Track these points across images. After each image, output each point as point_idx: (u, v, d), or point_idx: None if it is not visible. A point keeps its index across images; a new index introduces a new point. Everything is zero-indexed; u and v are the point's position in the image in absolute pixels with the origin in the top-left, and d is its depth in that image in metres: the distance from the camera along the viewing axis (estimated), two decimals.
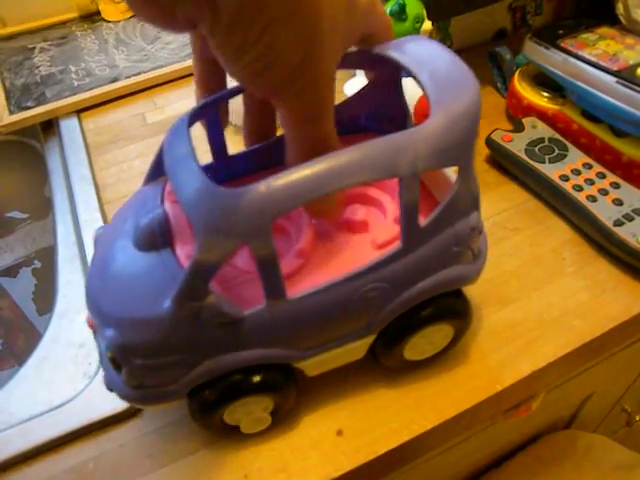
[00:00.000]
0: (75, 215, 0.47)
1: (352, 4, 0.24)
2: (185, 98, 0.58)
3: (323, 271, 0.29)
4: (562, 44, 0.45)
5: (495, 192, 0.46)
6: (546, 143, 0.45)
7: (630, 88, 0.41)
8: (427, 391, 0.35)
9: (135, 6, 0.20)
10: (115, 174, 0.50)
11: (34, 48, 0.63)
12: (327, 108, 0.25)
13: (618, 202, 0.41)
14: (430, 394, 0.35)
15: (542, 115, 0.48)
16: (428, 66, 0.27)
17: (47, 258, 0.64)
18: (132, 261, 0.29)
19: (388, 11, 0.44)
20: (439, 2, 0.44)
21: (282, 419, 0.33)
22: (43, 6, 0.68)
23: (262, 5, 0.20)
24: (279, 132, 0.33)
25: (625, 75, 0.42)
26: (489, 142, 0.46)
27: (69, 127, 0.55)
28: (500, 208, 0.45)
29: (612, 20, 0.48)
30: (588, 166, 0.43)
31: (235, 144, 0.36)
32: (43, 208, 0.65)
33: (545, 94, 0.48)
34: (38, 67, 0.60)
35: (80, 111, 0.56)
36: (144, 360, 0.27)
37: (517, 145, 0.45)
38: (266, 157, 0.34)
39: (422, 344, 0.33)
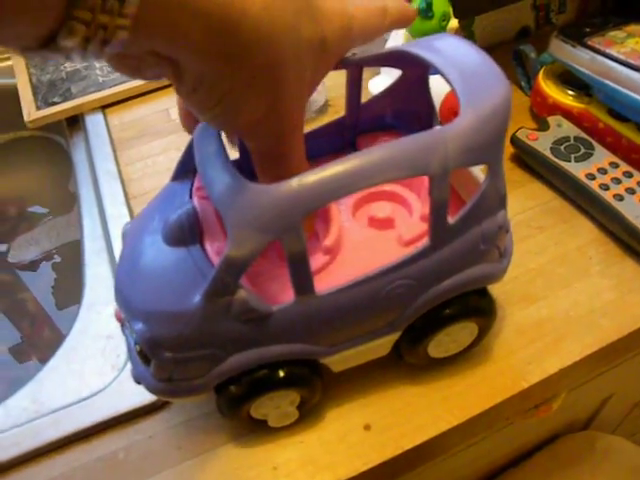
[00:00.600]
0: (102, 209, 0.47)
1: (322, 45, 0.24)
2: None
3: (349, 268, 0.29)
4: (589, 42, 0.45)
5: (520, 190, 0.46)
6: (572, 142, 0.45)
7: None
8: (453, 388, 0.35)
9: (107, 61, 0.21)
10: (140, 169, 0.51)
11: None
12: (294, 149, 0.25)
13: None
14: (456, 391, 0.35)
15: (567, 114, 0.48)
16: (458, 64, 0.27)
17: (68, 252, 0.65)
18: (161, 256, 0.29)
19: (415, 8, 0.44)
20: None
21: (309, 413, 0.34)
22: None
23: (221, 76, 0.20)
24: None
25: None
26: (514, 140, 0.46)
27: (94, 122, 0.55)
28: (525, 206, 0.45)
29: None
30: (615, 165, 0.43)
31: None
32: (66, 203, 0.66)
33: (570, 92, 0.48)
34: (63, 63, 0.60)
35: (105, 107, 0.57)
36: (173, 353, 0.27)
37: (543, 144, 0.45)
38: None
39: (446, 342, 0.33)
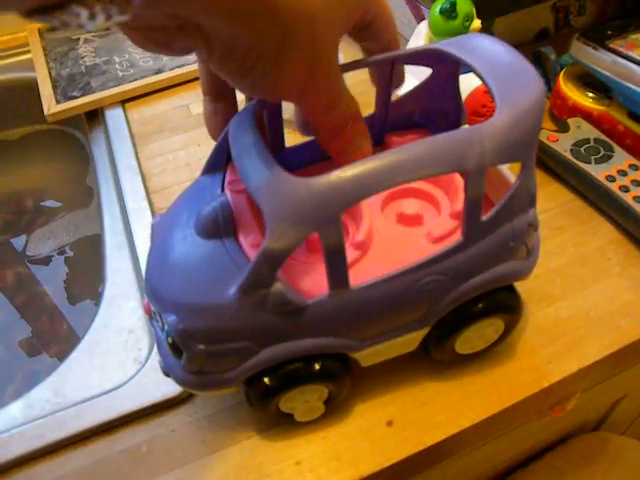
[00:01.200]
0: (122, 204, 0.47)
1: None
2: None
3: (380, 263, 0.29)
4: (611, 45, 0.45)
5: (539, 192, 0.45)
6: (592, 144, 0.45)
7: None
8: (474, 385, 0.35)
9: (133, 40, 0.21)
10: (160, 164, 0.51)
11: (78, 39, 0.64)
12: (341, 91, 0.25)
13: None
14: (477, 388, 0.35)
15: (587, 116, 0.48)
16: (492, 63, 0.27)
17: (86, 247, 0.65)
18: (193, 248, 0.29)
19: (438, 9, 0.44)
20: (490, 0, 0.44)
21: (335, 409, 0.34)
22: None
23: (252, 37, 0.20)
24: None
25: None
26: None
27: (114, 117, 0.56)
28: (544, 207, 0.45)
29: None
30: (635, 167, 0.43)
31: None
32: (83, 197, 0.66)
33: (590, 95, 0.48)
34: (83, 58, 0.61)
35: (125, 101, 0.57)
36: (206, 346, 0.28)
37: (563, 145, 0.45)
38: (321, 150, 0.34)
39: (473, 338, 0.33)
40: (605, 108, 0.47)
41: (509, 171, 0.33)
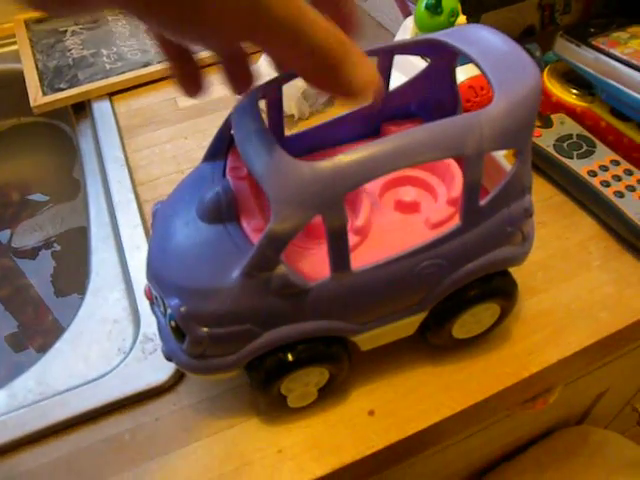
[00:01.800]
0: (109, 196, 0.47)
1: None
2: (216, 84, 0.59)
3: (379, 249, 0.30)
4: (594, 42, 0.46)
5: None
6: (574, 139, 0.46)
7: None
8: (456, 375, 0.36)
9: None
10: (147, 157, 0.51)
11: (65, 31, 0.64)
12: (304, 11, 0.19)
13: None
14: (458, 378, 0.36)
15: (570, 112, 0.48)
16: (489, 53, 0.28)
17: (72, 239, 0.65)
18: (196, 233, 0.29)
19: (424, 5, 0.44)
20: None
21: (327, 395, 0.34)
22: None
23: None
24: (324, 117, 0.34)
25: None
26: None
27: (101, 109, 0.55)
28: None
29: None
30: (616, 163, 0.44)
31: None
32: (69, 189, 0.66)
33: (574, 91, 0.49)
34: (70, 50, 0.61)
35: (112, 94, 0.57)
36: (209, 329, 0.28)
37: (546, 140, 0.46)
38: (319, 139, 0.35)
39: (470, 322, 0.34)
40: (588, 105, 0.48)
41: (504, 160, 0.33)
